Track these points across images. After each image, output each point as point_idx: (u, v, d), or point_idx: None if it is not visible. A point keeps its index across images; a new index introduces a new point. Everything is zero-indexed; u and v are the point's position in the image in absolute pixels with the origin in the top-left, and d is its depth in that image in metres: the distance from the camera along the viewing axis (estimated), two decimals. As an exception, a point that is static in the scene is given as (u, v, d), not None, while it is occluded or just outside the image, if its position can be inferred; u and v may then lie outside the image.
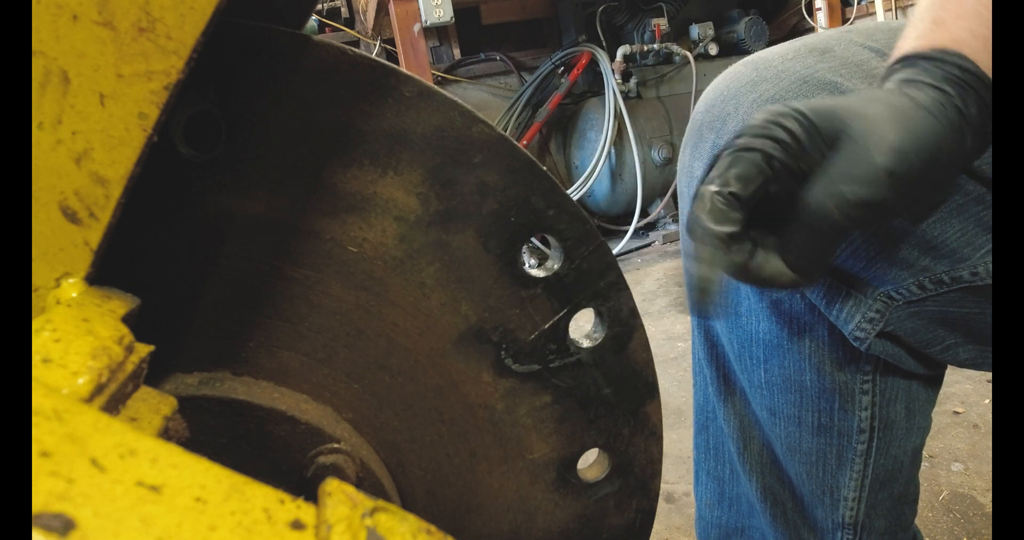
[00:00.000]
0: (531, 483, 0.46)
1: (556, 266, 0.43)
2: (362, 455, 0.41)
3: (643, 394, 0.47)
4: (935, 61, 0.45)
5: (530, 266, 0.44)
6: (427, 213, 0.40)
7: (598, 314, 0.45)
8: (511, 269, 0.42)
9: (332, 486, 0.25)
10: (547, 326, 0.44)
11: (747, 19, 3.55)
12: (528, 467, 0.46)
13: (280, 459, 0.38)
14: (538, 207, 0.42)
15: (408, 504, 0.44)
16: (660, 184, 3.30)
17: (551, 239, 0.43)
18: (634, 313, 0.45)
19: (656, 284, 2.70)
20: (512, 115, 3.23)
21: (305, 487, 0.38)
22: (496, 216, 0.41)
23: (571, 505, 0.48)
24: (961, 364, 0.61)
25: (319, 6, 3.51)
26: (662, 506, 1.32)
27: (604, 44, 3.27)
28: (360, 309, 0.40)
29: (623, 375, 0.46)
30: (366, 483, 0.41)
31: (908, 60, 0.47)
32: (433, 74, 3.12)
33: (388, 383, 0.42)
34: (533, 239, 0.43)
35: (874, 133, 0.41)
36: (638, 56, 3.31)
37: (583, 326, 0.48)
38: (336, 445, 0.40)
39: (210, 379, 0.38)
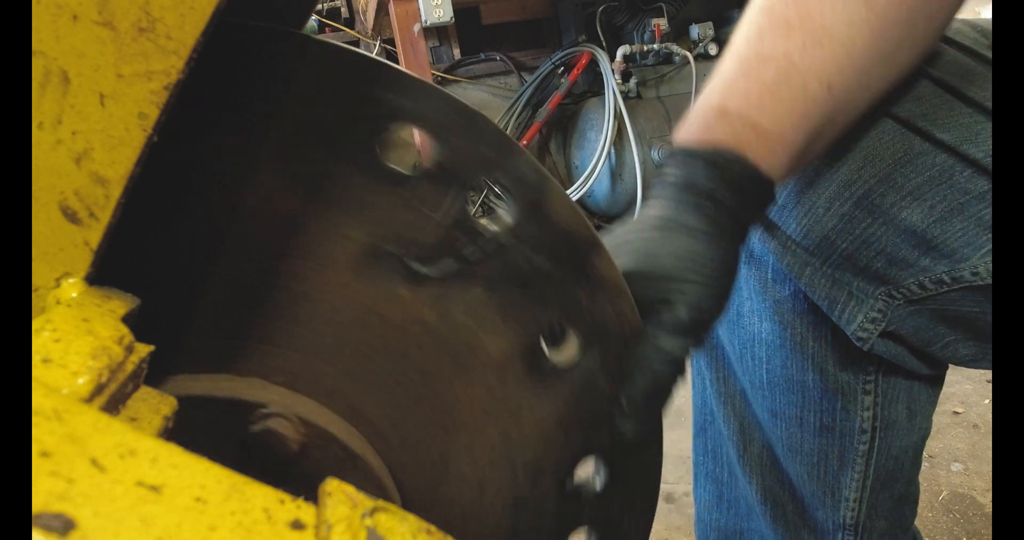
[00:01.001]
0: (500, 383, 0.43)
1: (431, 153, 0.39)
2: (300, 412, 0.39)
3: (584, 250, 0.42)
4: (714, 165, 0.46)
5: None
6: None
7: (499, 186, 0.40)
8: (378, 171, 0.38)
9: (332, 486, 0.25)
10: (444, 216, 0.39)
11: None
12: (490, 368, 0.43)
13: (210, 441, 0.35)
14: (385, 99, 0.37)
15: (381, 445, 0.42)
16: (660, 184, 3.29)
17: (414, 128, 0.38)
18: (539, 172, 0.40)
19: (656, 284, 2.69)
20: (512, 115, 3.23)
21: (248, 466, 0.36)
22: (341, 123, 0.37)
23: (556, 391, 0.44)
24: (961, 361, 0.61)
25: (319, 6, 3.51)
26: (662, 506, 1.32)
27: (604, 44, 3.27)
28: (245, 264, 0.38)
29: (554, 240, 0.41)
30: (314, 437, 0.39)
31: (688, 156, 0.47)
32: (433, 74, 3.12)
33: (306, 335, 0.40)
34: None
35: (670, 297, 0.44)
36: (638, 56, 3.31)
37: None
38: (265, 410, 0.38)
39: None
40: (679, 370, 0.44)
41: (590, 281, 0.42)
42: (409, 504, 0.43)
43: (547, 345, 0.44)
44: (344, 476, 0.39)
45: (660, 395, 0.44)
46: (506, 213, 0.40)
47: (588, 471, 0.47)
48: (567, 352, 0.44)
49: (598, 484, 0.46)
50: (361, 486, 0.40)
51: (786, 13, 0.48)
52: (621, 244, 0.46)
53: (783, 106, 0.47)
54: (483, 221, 0.40)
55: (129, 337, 0.28)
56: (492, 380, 0.43)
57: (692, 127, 0.49)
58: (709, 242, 0.45)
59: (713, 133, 0.47)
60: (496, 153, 0.39)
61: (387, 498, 0.41)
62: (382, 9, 2.97)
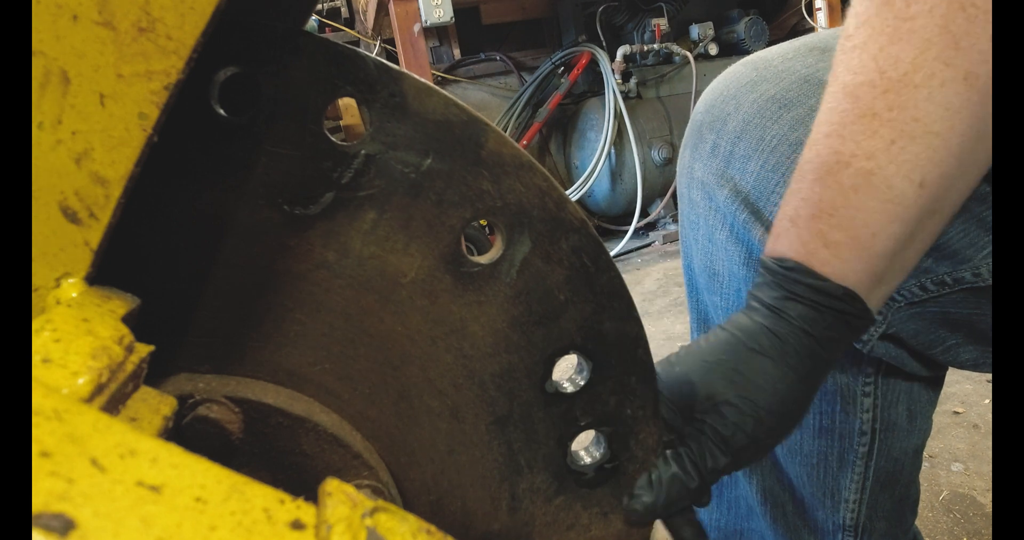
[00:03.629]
0: (432, 303, 0.40)
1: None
2: (229, 392, 0.38)
3: (474, 134, 0.37)
4: (780, 280, 0.45)
5: (225, 111, 0.35)
6: None
7: (354, 98, 0.37)
8: (209, 117, 0.35)
9: (332, 486, 0.25)
10: (296, 149, 0.36)
11: (747, 19, 3.55)
12: (416, 290, 0.40)
13: None
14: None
15: (331, 401, 0.41)
16: (660, 184, 3.30)
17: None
18: (383, 68, 0.36)
19: (656, 284, 2.70)
20: (512, 115, 3.23)
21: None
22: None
23: (496, 293, 0.40)
24: (962, 365, 0.61)
25: (319, 6, 3.51)
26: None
27: (604, 44, 3.27)
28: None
29: (427, 133, 0.37)
30: (251, 413, 0.38)
31: (764, 271, 0.46)
32: (433, 74, 3.12)
33: (214, 314, 0.38)
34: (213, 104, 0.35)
35: (727, 416, 0.44)
36: (638, 56, 3.31)
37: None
38: (191, 400, 0.37)
39: None
40: (703, 478, 0.45)
41: (487, 165, 0.38)
42: (387, 452, 0.42)
43: (474, 247, 0.42)
44: (297, 441, 0.39)
45: (682, 488, 0.45)
46: (365, 130, 0.37)
47: (566, 368, 0.44)
48: (490, 254, 0.41)
49: (581, 379, 0.43)
50: (319, 446, 0.39)
51: (873, 104, 0.41)
52: (684, 356, 0.47)
53: (862, 214, 0.42)
54: (341, 142, 0.37)
55: (129, 337, 0.28)
56: (423, 302, 0.40)
57: (770, 238, 0.47)
58: (772, 363, 0.44)
59: (780, 245, 0.45)
60: (334, 67, 0.36)
61: (353, 453, 0.40)
62: (382, 9, 2.97)
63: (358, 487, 0.38)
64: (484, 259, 0.41)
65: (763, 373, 0.43)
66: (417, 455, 0.42)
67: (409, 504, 0.43)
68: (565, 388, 0.43)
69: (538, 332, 0.42)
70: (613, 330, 0.43)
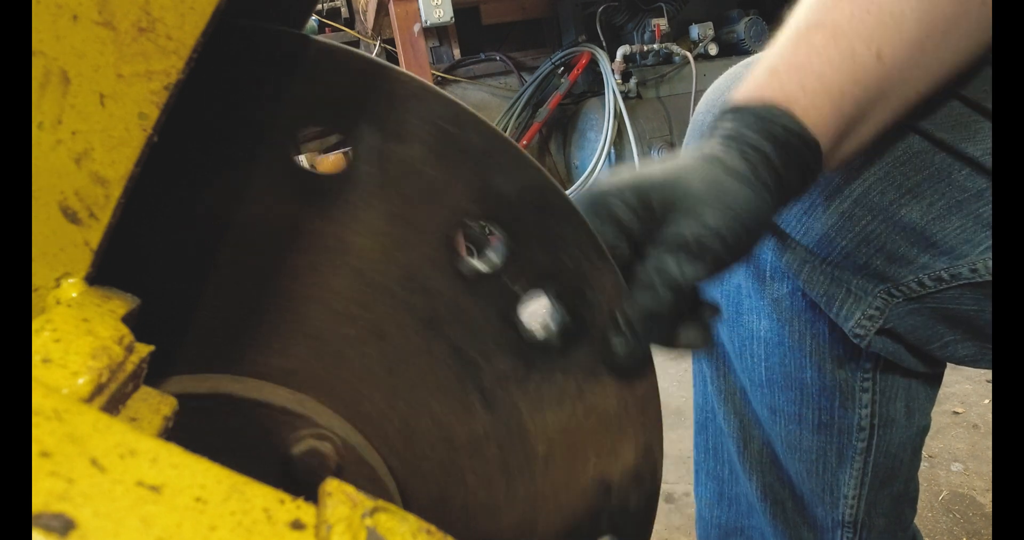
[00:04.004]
0: (293, 230, 0.38)
1: None
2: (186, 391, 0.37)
3: (375, 80, 0.36)
4: (760, 117, 0.46)
5: None
6: None
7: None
8: None
9: (332, 486, 0.25)
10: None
11: (747, 19, 3.55)
12: (268, 227, 0.37)
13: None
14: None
15: (248, 368, 0.39)
16: (660, 184, 3.29)
17: None
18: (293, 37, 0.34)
19: (656, 284, 2.70)
20: (512, 115, 3.23)
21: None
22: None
23: (358, 199, 0.38)
24: (960, 361, 0.61)
25: (319, 6, 3.51)
26: (662, 506, 1.32)
27: (604, 44, 3.27)
28: None
29: (333, 95, 0.35)
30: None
31: (737, 111, 0.48)
32: (433, 74, 3.12)
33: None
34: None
35: (692, 213, 0.43)
36: (638, 56, 3.31)
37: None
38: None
39: None
40: (679, 295, 0.42)
41: (396, 122, 0.37)
42: (326, 397, 0.40)
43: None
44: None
45: (656, 318, 0.42)
46: None
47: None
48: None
49: (494, 254, 0.41)
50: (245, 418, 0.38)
51: None
52: (654, 164, 0.45)
53: (831, 67, 0.47)
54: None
55: (129, 337, 0.28)
56: (281, 236, 0.38)
57: (744, 87, 0.49)
58: (744, 183, 0.44)
59: (762, 90, 0.48)
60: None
61: (278, 408, 0.39)
62: (382, 9, 2.97)
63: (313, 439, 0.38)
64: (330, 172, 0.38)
65: (735, 191, 0.43)
66: (358, 387, 0.40)
67: (374, 437, 0.41)
68: (479, 268, 0.40)
69: (422, 217, 0.38)
70: (507, 184, 0.39)
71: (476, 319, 0.40)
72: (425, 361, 0.41)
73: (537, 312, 0.42)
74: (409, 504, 0.42)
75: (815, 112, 0.46)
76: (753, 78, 0.49)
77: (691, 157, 0.45)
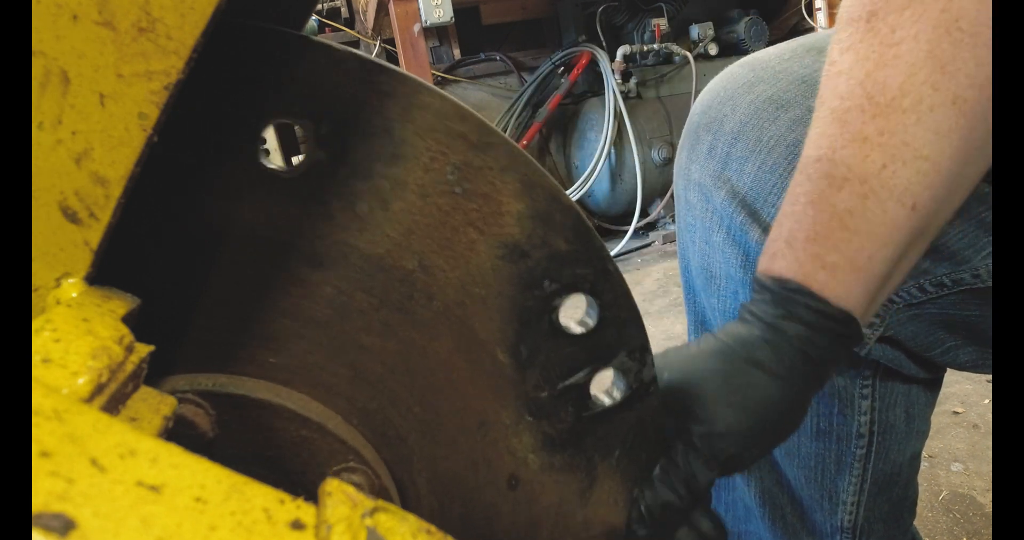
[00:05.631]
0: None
1: None
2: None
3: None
4: (781, 299, 0.44)
5: None
6: None
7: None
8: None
9: (332, 486, 0.25)
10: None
11: (747, 19, 3.55)
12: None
13: None
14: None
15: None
16: (660, 184, 3.30)
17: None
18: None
19: (656, 284, 2.70)
20: (512, 115, 3.23)
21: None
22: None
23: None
24: (961, 367, 0.61)
25: (319, 6, 3.51)
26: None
27: (604, 44, 3.27)
28: None
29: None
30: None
31: (758, 291, 0.46)
32: (433, 74, 3.12)
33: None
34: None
35: (714, 420, 0.43)
36: (638, 56, 3.31)
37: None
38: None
39: None
40: (693, 495, 0.43)
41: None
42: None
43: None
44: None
45: (673, 511, 0.44)
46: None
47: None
48: None
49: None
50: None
51: (863, 129, 0.41)
52: (673, 360, 0.45)
53: (857, 237, 0.42)
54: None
55: (129, 337, 0.28)
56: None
57: (763, 256, 0.47)
58: (767, 373, 0.43)
59: (777, 265, 0.45)
60: None
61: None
62: (382, 9, 2.97)
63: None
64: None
65: (758, 386, 0.43)
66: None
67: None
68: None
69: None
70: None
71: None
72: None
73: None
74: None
75: (837, 285, 0.43)
76: (771, 246, 0.46)
77: (713, 346, 0.45)
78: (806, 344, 0.43)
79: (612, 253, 3.00)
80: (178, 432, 0.36)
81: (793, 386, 0.43)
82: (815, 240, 0.43)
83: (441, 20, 2.70)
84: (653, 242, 3.29)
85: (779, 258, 0.45)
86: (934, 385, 0.68)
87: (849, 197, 0.42)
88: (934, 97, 0.40)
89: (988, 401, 1.50)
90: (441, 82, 3.27)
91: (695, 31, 3.50)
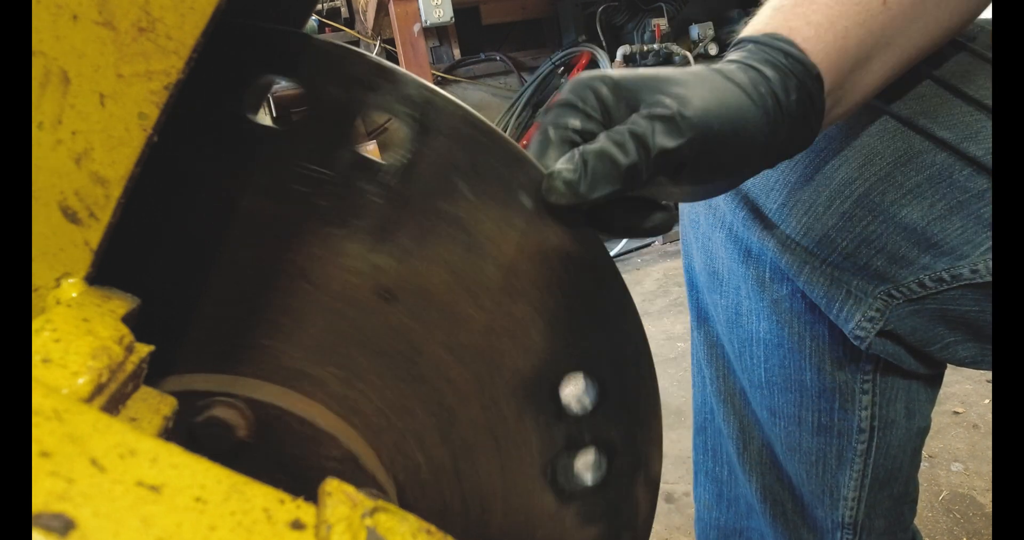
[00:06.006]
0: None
1: None
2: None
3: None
4: (762, 45, 0.46)
5: None
6: None
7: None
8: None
9: (332, 486, 0.25)
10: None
11: (747, 19, 3.53)
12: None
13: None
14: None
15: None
16: (660, 184, 3.29)
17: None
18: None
19: (656, 284, 2.70)
20: (512, 115, 3.23)
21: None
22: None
23: None
24: (960, 363, 0.61)
25: (319, 6, 3.51)
26: (662, 506, 1.32)
27: (604, 44, 3.27)
28: None
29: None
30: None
31: (739, 43, 0.47)
32: (433, 74, 3.12)
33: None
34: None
35: (681, 94, 0.40)
36: (638, 56, 3.31)
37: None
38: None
39: None
40: (643, 158, 0.39)
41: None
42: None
43: None
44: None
45: (611, 163, 0.38)
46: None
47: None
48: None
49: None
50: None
51: None
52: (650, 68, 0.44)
53: (838, 5, 0.46)
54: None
55: (129, 337, 0.28)
56: None
57: (749, 25, 0.49)
58: (740, 88, 0.42)
59: (765, 24, 0.47)
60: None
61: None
62: (382, 9, 2.97)
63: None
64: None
65: (734, 94, 0.42)
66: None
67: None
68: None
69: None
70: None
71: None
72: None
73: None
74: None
75: (818, 44, 0.45)
76: (759, 15, 0.49)
77: (692, 67, 0.45)
78: (780, 89, 0.44)
79: (612, 253, 3.00)
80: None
81: (758, 109, 0.42)
82: (803, 3, 0.47)
83: (441, 20, 2.70)
84: (653, 242, 3.29)
85: (767, 20, 0.48)
86: (935, 381, 0.68)
87: None
88: None
89: (988, 401, 1.50)
90: (441, 82, 3.27)
91: (695, 31, 3.49)
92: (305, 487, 0.39)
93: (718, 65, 0.45)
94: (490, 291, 0.40)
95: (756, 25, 0.48)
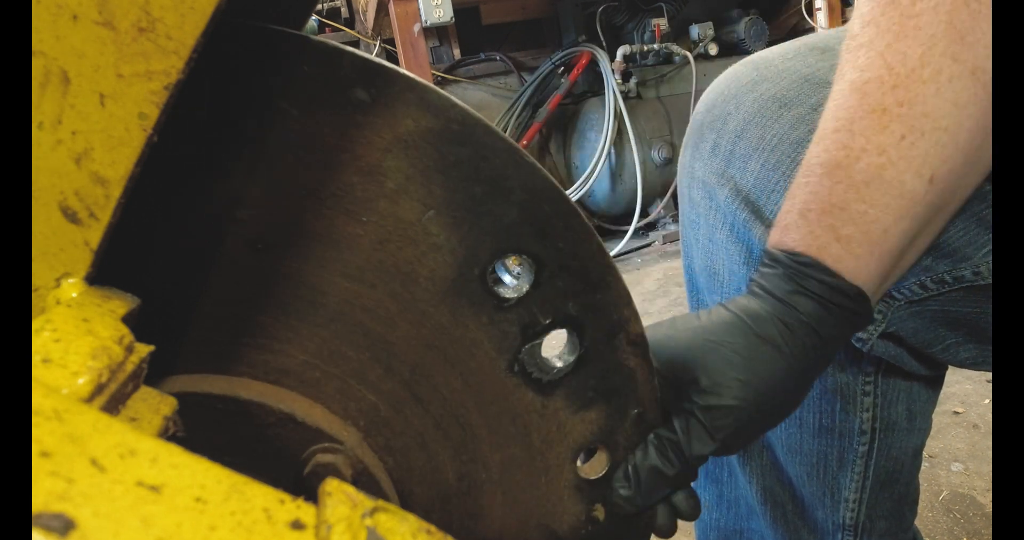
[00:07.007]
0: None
1: None
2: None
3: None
4: (791, 272, 0.44)
5: None
6: None
7: None
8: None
9: (332, 486, 0.25)
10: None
11: (747, 19, 3.55)
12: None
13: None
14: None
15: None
16: (660, 184, 3.30)
17: None
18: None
19: (656, 284, 2.70)
20: (512, 115, 3.23)
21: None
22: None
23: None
24: (961, 364, 0.61)
25: (319, 6, 3.51)
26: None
27: (604, 44, 3.27)
28: None
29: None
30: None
31: (770, 262, 0.46)
32: (433, 74, 3.12)
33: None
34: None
35: (715, 389, 0.43)
36: (638, 56, 3.31)
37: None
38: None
39: None
40: (684, 465, 0.43)
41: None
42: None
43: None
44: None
45: (660, 477, 0.44)
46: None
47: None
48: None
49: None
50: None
51: (882, 100, 0.41)
52: (681, 328, 0.45)
53: (873, 209, 0.42)
54: None
55: (129, 337, 0.28)
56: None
57: (775, 228, 0.46)
58: (775, 350, 0.42)
59: (790, 237, 0.45)
60: None
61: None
62: (382, 9, 2.97)
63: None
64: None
65: (766, 362, 0.43)
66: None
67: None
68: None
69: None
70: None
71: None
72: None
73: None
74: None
75: (852, 259, 0.43)
76: (783, 219, 0.45)
77: (723, 317, 0.44)
78: (817, 321, 0.43)
79: (612, 253, 3.00)
80: None
81: (801, 363, 0.43)
82: (830, 212, 0.43)
83: (441, 20, 2.70)
84: (653, 242, 3.29)
85: (791, 230, 0.44)
86: (936, 382, 0.68)
87: (867, 168, 0.42)
88: (953, 68, 0.40)
89: (988, 401, 1.50)
90: (441, 82, 3.27)
91: (695, 31, 3.50)
92: (256, 464, 0.38)
93: (752, 305, 0.44)
94: (364, 200, 0.36)
95: (782, 232, 0.45)
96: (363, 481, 0.40)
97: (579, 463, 0.45)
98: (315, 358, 0.39)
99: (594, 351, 0.42)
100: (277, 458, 0.39)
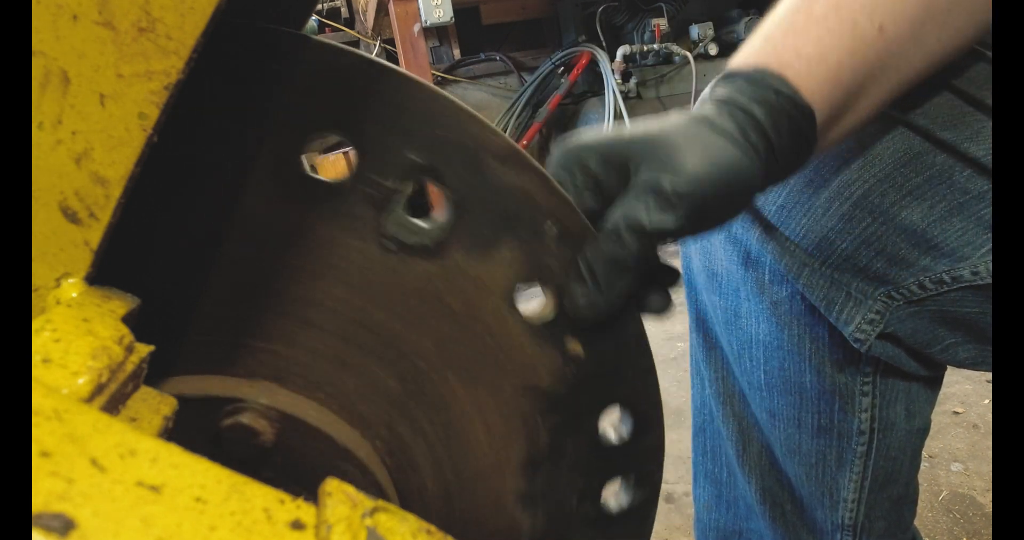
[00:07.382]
0: None
1: None
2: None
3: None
4: (751, 81, 0.44)
5: None
6: None
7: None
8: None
9: (332, 486, 0.25)
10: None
11: (747, 19, 3.54)
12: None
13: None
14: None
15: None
16: (660, 184, 3.29)
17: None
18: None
19: (656, 284, 2.69)
20: (512, 115, 3.23)
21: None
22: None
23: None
24: (960, 364, 0.61)
25: (319, 6, 3.51)
26: (662, 506, 1.32)
27: (604, 44, 3.27)
28: None
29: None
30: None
31: (729, 78, 0.46)
32: (433, 74, 3.12)
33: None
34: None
35: (669, 161, 0.40)
36: (638, 56, 3.31)
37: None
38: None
39: None
40: (645, 245, 0.40)
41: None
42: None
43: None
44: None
45: (619, 266, 0.40)
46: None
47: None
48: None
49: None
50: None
51: None
52: (637, 124, 0.44)
53: (829, 36, 0.45)
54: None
55: (129, 337, 0.28)
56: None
57: (739, 54, 0.48)
58: (731, 141, 0.41)
59: (756, 56, 0.46)
60: None
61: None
62: (382, 9, 2.97)
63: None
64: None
65: (721, 148, 0.41)
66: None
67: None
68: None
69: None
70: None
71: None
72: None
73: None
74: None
75: (810, 79, 0.44)
76: (748, 44, 0.48)
77: (678, 117, 0.44)
78: (771, 128, 0.43)
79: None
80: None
81: (753, 162, 0.42)
82: (794, 34, 0.46)
83: (441, 20, 2.70)
84: (653, 242, 3.29)
85: (758, 52, 0.46)
86: (934, 383, 0.68)
87: (823, 7, 0.46)
88: None
89: (988, 401, 1.50)
90: (441, 82, 3.27)
91: (695, 31, 3.49)
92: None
93: (706, 110, 0.44)
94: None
95: (746, 56, 0.47)
96: (285, 423, 0.39)
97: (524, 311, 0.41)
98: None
99: (464, 185, 0.38)
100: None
